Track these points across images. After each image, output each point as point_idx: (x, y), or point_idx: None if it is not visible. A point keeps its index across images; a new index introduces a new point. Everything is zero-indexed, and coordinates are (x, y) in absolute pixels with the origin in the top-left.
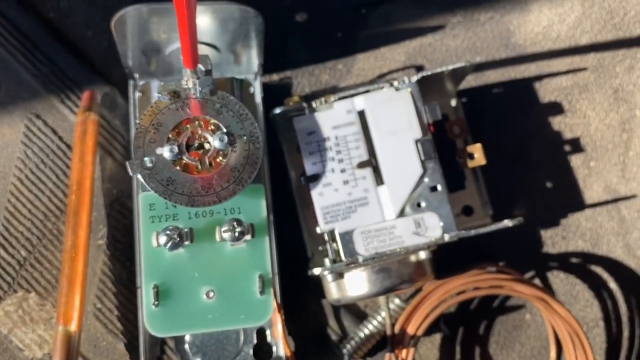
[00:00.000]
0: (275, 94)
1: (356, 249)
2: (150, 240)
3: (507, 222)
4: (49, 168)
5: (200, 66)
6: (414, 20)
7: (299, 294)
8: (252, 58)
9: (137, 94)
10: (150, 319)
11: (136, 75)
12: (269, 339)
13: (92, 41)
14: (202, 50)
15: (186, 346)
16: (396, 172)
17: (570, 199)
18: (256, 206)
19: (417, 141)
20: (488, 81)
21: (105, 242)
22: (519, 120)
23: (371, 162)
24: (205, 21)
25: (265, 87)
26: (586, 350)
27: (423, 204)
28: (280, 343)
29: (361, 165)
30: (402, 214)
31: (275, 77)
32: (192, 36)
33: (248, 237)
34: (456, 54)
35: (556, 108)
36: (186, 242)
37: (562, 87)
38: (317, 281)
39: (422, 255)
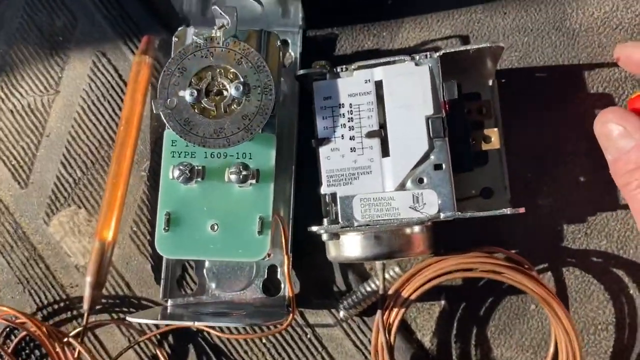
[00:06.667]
0: (314, 54)
1: (353, 214)
2: (168, 172)
3: (506, 210)
4: (108, 101)
5: (227, 17)
6: None
7: (311, 248)
8: (295, 12)
9: (174, 39)
10: (160, 242)
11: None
12: (278, 275)
13: None
14: (247, 3)
15: (204, 271)
16: (403, 146)
17: (602, 196)
18: (265, 154)
19: (428, 118)
20: (532, 64)
21: (147, 174)
22: (560, 108)
23: (380, 133)
24: None
25: (310, 45)
26: (575, 353)
27: (425, 181)
28: (287, 282)
29: (370, 135)
30: (402, 187)
31: (320, 37)
32: None
33: (253, 181)
34: (503, 33)
35: (603, 100)
36: (198, 179)
37: (614, 78)
38: None
39: (416, 229)
